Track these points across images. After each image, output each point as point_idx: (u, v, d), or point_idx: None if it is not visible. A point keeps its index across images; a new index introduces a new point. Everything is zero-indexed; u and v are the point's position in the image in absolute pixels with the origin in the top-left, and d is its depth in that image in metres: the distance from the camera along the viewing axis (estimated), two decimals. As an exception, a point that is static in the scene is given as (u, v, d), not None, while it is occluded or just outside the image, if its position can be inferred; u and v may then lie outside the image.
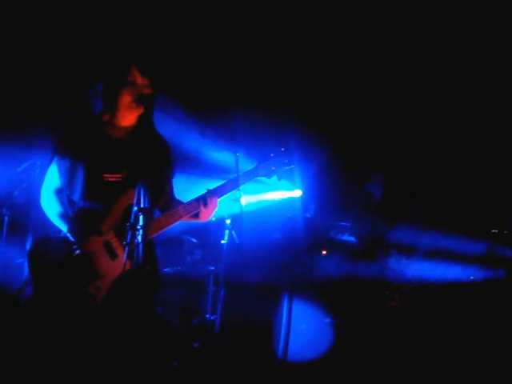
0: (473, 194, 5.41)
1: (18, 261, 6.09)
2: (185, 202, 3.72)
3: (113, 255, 3.47)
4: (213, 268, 6.42)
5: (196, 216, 3.72)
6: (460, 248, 4.58)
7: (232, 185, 3.84)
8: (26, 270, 5.64)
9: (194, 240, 6.67)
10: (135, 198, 3.06)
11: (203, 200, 3.68)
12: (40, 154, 5.78)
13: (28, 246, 5.92)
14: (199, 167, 5.93)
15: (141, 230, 2.98)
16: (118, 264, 3.43)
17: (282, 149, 3.92)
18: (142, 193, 3.06)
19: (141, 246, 2.95)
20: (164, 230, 3.63)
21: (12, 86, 5.85)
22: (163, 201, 3.82)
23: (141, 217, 3.00)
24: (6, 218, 5.96)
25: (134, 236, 3.01)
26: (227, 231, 6.33)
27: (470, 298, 5.27)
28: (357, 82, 6.55)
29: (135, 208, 3.03)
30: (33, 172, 5.87)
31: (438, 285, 4.43)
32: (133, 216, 3.04)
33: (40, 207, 3.79)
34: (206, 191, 3.72)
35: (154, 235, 3.59)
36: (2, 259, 5.98)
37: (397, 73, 6.31)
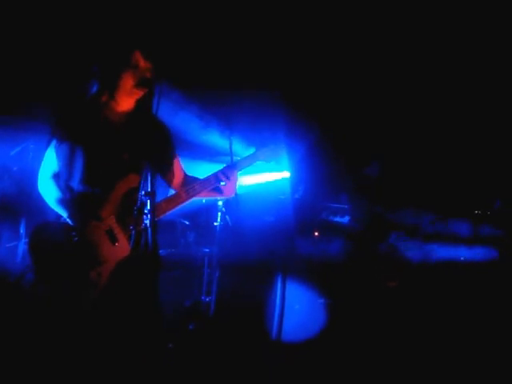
0: (464, 175, 5.46)
1: (9, 244, 6.06)
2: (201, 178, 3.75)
3: (114, 240, 3.45)
4: (207, 250, 6.45)
5: (219, 191, 3.80)
6: (458, 229, 4.62)
7: (241, 166, 3.89)
8: (25, 255, 5.71)
9: (187, 222, 6.67)
10: (141, 182, 3.04)
11: (225, 174, 3.74)
12: (34, 138, 5.73)
13: (22, 230, 5.90)
14: (193, 151, 5.91)
15: (149, 215, 2.97)
16: (119, 249, 3.44)
17: (280, 137, 3.97)
18: (148, 176, 3.04)
19: (149, 230, 2.94)
20: (180, 205, 3.68)
21: (5, 68, 5.77)
22: (176, 180, 3.85)
23: (148, 201, 2.99)
24: (-3, 201, 5.91)
25: (141, 220, 3.00)
26: (219, 213, 6.36)
27: (470, 279, 5.34)
28: (349, 63, 6.55)
29: (142, 192, 3.02)
30: (26, 156, 5.82)
31: (437, 265, 4.46)
32: (139, 200, 3.02)
33: (35, 191, 3.77)
34: (223, 167, 3.79)
35: (170, 211, 3.63)
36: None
37: (392, 54, 6.32)
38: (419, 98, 6.28)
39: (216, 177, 3.77)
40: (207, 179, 3.76)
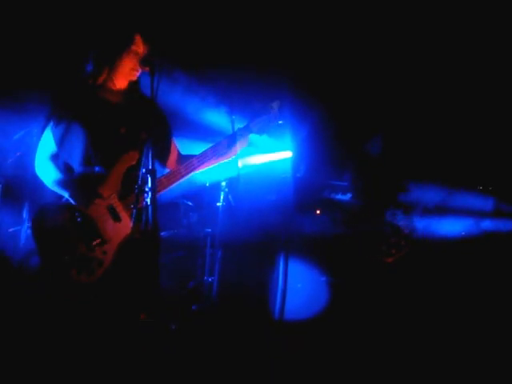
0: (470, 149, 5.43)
1: (12, 229, 6.08)
2: (197, 154, 3.77)
3: (117, 218, 3.47)
4: (209, 230, 6.46)
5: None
6: (459, 203, 4.62)
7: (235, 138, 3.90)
8: (28, 239, 5.73)
9: (190, 203, 6.68)
10: (143, 160, 3.06)
11: (223, 144, 3.80)
12: (37, 122, 5.72)
13: (25, 214, 5.92)
14: (193, 130, 5.90)
15: (149, 192, 2.99)
16: (122, 227, 3.46)
17: (272, 105, 3.94)
18: (149, 154, 3.06)
19: (150, 207, 2.96)
20: (180, 181, 3.70)
21: (8, 52, 5.76)
22: (172, 159, 3.88)
23: (149, 178, 3.01)
24: (0, 186, 5.92)
25: (142, 198, 3.03)
26: (222, 193, 6.37)
27: (468, 254, 5.34)
28: (352, 41, 6.52)
29: (143, 170, 3.04)
30: (29, 140, 5.82)
31: (437, 240, 4.46)
32: (140, 178, 3.05)
33: (36, 175, 3.78)
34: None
35: (170, 187, 3.65)
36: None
37: (391, 29, 6.29)
38: (421, 79, 6.26)
39: (212, 150, 3.79)
40: (204, 153, 3.77)
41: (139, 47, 3.60)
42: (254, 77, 6.55)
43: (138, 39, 3.60)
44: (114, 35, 3.65)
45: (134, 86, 3.72)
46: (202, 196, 6.74)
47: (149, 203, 2.97)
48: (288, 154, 6.50)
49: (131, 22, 3.74)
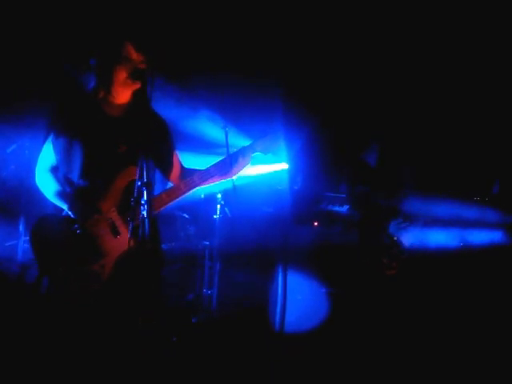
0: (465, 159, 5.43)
1: (9, 243, 6.07)
2: (199, 169, 3.75)
3: (116, 233, 3.47)
4: (207, 243, 6.46)
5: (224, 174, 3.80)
6: (460, 214, 4.60)
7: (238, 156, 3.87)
8: (25, 253, 5.71)
9: (186, 216, 6.67)
10: (138, 173, 3.04)
11: (225, 163, 3.77)
12: (29, 135, 5.73)
13: (21, 228, 5.90)
14: (189, 143, 5.89)
15: (145, 205, 2.97)
16: (121, 241, 3.45)
17: (277, 127, 3.96)
18: (144, 167, 3.04)
19: (147, 220, 2.93)
20: (180, 197, 3.69)
21: (1, 66, 5.76)
22: (175, 173, 3.85)
23: (144, 191, 2.99)
24: (-4, 200, 5.92)
25: (139, 211, 3.01)
26: (219, 206, 6.36)
27: (470, 266, 5.32)
28: (347, 51, 6.52)
29: (138, 183, 3.02)
30: (22, 153, 5.82)
31: (438, 252, 4.43)
32: (136, 191, 3.03)
33: (33, 188, 3.77)
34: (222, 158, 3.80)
35: (170, 203, 3.64)
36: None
37: (387, 37, 6.29)
38: (417, 88, 6.26)
39: (215, 168, 3.77)
40: (206, 171, 3.75)
41: (131, 54, 3.54)
42: (247, 88, 6.55)
43: (129, 46, 3.55)
44: (104, 45, 3.62)
45: (139, 98, 3.66)
46: (198, 208, 6.74)
47: (145, 216, 2.94)
48: (284, 166, 6.49)
49: (120, 31, 3.71)
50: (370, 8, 6.17)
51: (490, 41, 6.04)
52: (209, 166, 3.79)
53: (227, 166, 3.77)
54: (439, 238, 4.52)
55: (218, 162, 3.79)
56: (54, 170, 3.68)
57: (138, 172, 3.07)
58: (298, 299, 6.12)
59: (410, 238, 4.43)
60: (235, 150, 3.91)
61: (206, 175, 3.74)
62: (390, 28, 6.27)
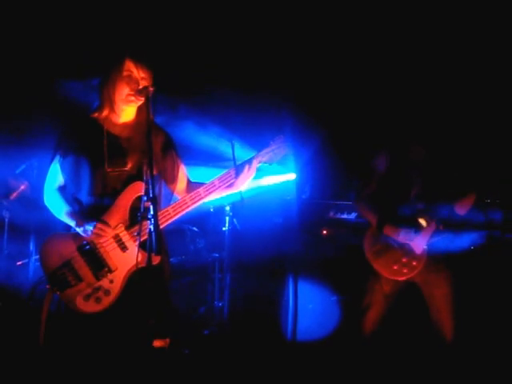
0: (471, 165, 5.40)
1: (20, 262, 6.13)
2: (205, 182, 3.77)
3: (124, 248, 3.51)
4: (217, 255, 6.49)
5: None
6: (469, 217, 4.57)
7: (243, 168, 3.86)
8: (36, 272, 5.76)
9: (195, 229, 6.70)
10: (144, 189, 3.09)
11: (230, 175, 3.77)
12: (38, 155, 5.80)
13: (32, 247, 5.96)
14: (194, 156, 5.93)
15: (152, 220, 3.01)
16: (129, 256, 3.49)
17: (281, 136, 3.95)
18: (150, 183, 3.09)
19: (154, 234, 2.98)
20: (186, 211, 3.68)
21: (8, 85, 5.83)
22: (180, 187, 3.90)
23: (151, 206, 3.04)
24: (6, 220, 5.98)
25: (146, 226, 3.06)
26: (227, 218, 6.40)
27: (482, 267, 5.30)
28: (352, 60, 6.54)
29: (144, 198, 3.07)
30: (31, 173, 5.89)
31: (449, 257, 4.42)
32: (142, 206, 3.07)
33: (42, 207, 3.81)
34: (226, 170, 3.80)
35: (177, 217, 3.64)
36: (4, 261, 6.01)
37: (395, 43, 6.30)
38: (425, 93, 6.24)
39: (220, 180, 3.79)
40: (211, 183, 3.78)
41: (131, 71, 3.59)
42: (254, 100, 6.58)
43: (129, 63, 3.59)
44: (105, 64, 3.67)
45: (142, 114, 3.64)
46: (207, 221, 6.77)
47: (152, 230, 2.98)
48: (292, 176, 6.52)
49: (119, 49, 3.74)
50: (377, 20, 6.18)
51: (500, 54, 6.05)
52: (213, 178, 3.82)
53: (231, 177, 3.79)
54: (452, 242, 4.51)
55: (223, 174, 3.80)
56: (62, 189, 3.73)
57: (144, 187, 3.12)
58: (309, 308, 6.13)
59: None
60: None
61: (211, 187, 3.74)
62: (397, 39, 6.29)
